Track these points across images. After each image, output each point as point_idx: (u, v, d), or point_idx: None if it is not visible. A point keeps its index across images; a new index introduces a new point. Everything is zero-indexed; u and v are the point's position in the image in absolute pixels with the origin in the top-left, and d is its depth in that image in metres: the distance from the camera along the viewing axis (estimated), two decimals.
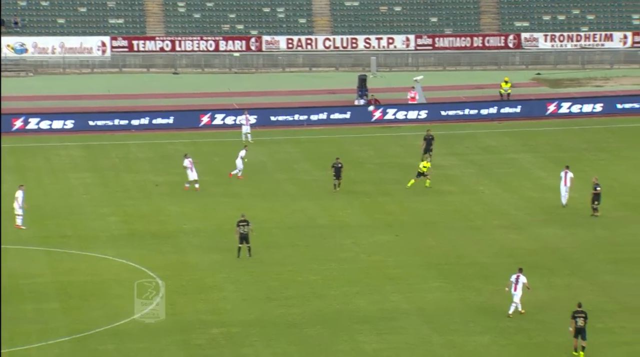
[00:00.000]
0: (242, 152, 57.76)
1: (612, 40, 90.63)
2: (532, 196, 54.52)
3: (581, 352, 35.65)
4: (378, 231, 49.20)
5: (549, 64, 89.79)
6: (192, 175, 54.99)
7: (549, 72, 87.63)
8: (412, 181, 55.70)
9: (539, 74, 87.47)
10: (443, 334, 37.82)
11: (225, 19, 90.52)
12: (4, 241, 45.82)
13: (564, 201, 51.87)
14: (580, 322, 35.57)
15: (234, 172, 57.35)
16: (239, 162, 57.35)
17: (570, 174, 52.17)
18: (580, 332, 35.59)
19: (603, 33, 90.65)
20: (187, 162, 55.18)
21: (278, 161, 60.79)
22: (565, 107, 73.80)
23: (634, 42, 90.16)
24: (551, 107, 73.89)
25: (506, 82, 77.69)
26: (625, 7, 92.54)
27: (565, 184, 51.86)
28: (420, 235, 48.79)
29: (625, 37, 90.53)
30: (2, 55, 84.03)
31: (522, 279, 39.15)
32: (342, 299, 41.23)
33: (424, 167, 56.00)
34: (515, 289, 39.05)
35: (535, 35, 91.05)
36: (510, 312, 39.05)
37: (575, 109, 73.72)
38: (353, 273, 43.93)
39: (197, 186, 54.93)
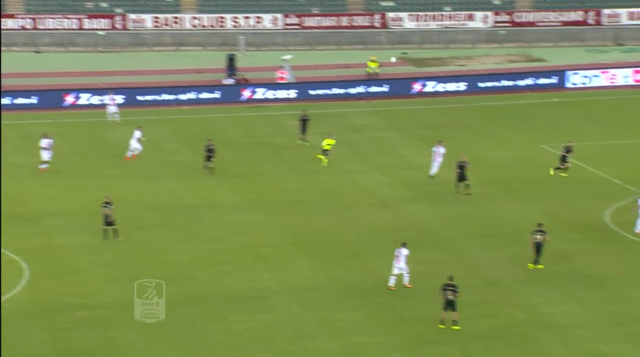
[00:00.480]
0: (137, 133, 56.89)
1: (474, 20, 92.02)
2: (399, 174, 55.02)
3: (454, 326, 36.05)
4: (248, 211, 49.02)
5: (414, 43, 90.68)
6: (46, 155, 53.87)
7: (414, 52, 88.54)
8: (323, 158, 55.45)
9: (404, 53, 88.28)
10: (312, 312, 37.94)
11: None
12: None
13: (433, 171, 52.53)
14: (450, 295, 36.01)
15: (129, 153, 56.38)
16: (133, 143, 56.55)
17: (442, 149, 52.87)
18: (450, 304, 36.01)
19: (465, 13, 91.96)
20: (45, 143, 54.01)
21: (146, 142, 59.89)
22: (430, 86, 74.70)
23: (494, 22, 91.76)
24: (417, 86, 74.70)
25: (373, 61, 78.21)
26: None
27: (436, 159, 52.59)
28: (290, 214, 48.78)
29: (486, 17, 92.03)
30: None
31: (405, 252, 39.75)
32: (212, 279, 40.99)
33: (328, 144, 55.86)
34: (398, 262, 39.63)
35: (401, 15, 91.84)
36: (391, 284, 39.60)
37: (440, 87, 74.68)
38: (223, 253, 43.70)
39: (44, 166, 53.85)
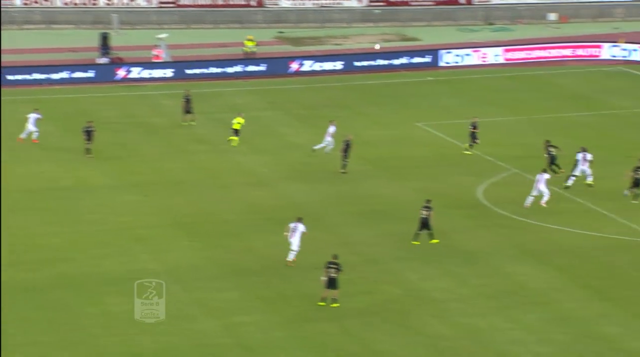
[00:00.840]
0: (33, 115, 55.57)
1: (349, 0, 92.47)
2: (278, 153, 55.07)
3: (333, 304, 36.31)
4: (126, 192, 48.49)
5: (290, 22, 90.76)
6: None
7: (290, 31, 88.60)
8: (234, 138, 54.96)
9: (281, 32, 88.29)
10: (192, 292, 37.80)
11: None
12: None
13: (316, 146, 52.76)
14: (333, 273, 36.25)
15: (24, 136, 55.14)
16: (30, 126, 55.39)
17: (332, 129, 52.99)
18: (332, 282, 36.28)
19: None
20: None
21: (17, 122, 58.66)
22: (307, 65, 74.89)
23: (369, 1, 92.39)
24: (294, 65, 74.82)
25: (250, 40, 78.03)
26: None
27: (326, 138, 52.75)
28: (169, 195, 48.44)
29: None
30: None
31: (301, 227, 39.93)
32: (89, 261, 40.45)
33: (238, 123, 55.43)
34: (292, 237, 39.85)
35: None
36: (290, 258, 39.77)
37: (317, 67, 74.94)
38: (101, 235, 43.16)
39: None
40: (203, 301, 37.12)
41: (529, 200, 45.87)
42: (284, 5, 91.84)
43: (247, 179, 50.93)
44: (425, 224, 42.22)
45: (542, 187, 45.73)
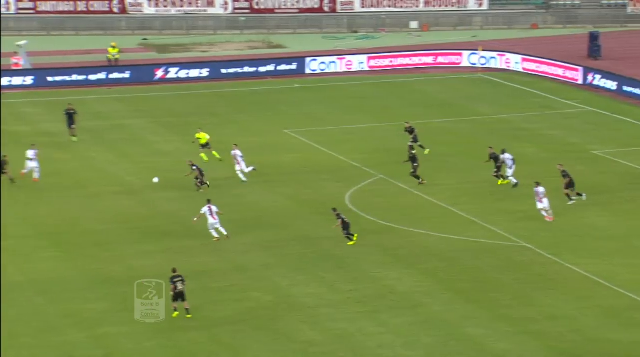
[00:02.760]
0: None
1: (214, 6, 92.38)
2: (145, 161, 54.59)
3: (188, 315, 36.04)
4: None
5: (155, 29, 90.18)
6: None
7: (155, 38, 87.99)
8: (216, 153, 53.03)
9: (145, 39, 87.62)
10: (58, 304, 37.23)
11: None
12: None
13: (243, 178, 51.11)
14: (180, 285, 36.08)
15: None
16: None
17: (238, 152, 51.09)
18: (180, 295, 36.12)
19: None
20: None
21: None
22: (173, 73, 74.49)
23: (234, 9, 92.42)
24: (159, 73, 74.32)
25: (113, 47, 77.23)
26: None
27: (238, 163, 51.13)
28: (31, 204, 47.57)
29: (227, 3, 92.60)
30: None
31: (214, 208, 42.48)
32: None
33: (204, 138, 53.36)
34: (214, 218, 42.74)
35: (140, 0, 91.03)
36: (216, 236, 42.61)
37: (183, 74, 74.61)
38: None
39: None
40: (71, 312, 36.59)
41: (544, 213, 45.20)
42: (147, 12, 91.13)
43: (113, 187, 50.34)
44: (346, 226, 42.78)
45: (545, 201, 45.04)
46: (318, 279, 39.78)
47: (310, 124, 62.23)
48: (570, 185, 46.91)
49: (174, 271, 36.55)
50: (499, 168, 50.40)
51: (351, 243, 42.85)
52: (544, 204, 45.13)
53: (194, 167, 49.50)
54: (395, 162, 53.56)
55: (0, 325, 34.69)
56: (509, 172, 50.06)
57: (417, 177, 50.15)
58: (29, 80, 71.60)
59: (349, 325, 35.91)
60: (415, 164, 50.14)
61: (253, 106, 67.32)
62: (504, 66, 77.01)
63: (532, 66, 75.88)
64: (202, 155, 53.42)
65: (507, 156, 50.28)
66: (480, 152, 53.82)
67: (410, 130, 55.48)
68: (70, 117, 58.03)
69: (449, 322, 36.13)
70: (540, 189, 45.29)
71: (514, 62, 76.81)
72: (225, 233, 43.38)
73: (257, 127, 61.93)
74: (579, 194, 46.86)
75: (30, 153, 51.18)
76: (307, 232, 44.25)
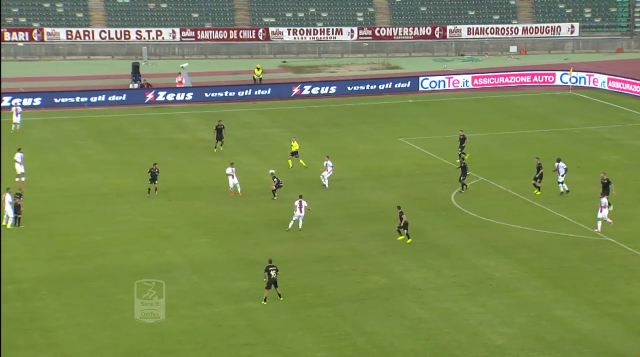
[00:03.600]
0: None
1: (342, 34, 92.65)
2: (283, 165, 55.03)
3: (280, 298, 35.30)
4: (153, 197, 48.42)
5: (292, 53, 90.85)
6: (20, 168, 49.79)
7: (292, 60, 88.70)
8: (302, 161, 52.60)
9: (284, 61, 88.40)
10: (210, 282, 37.78)
11: (9, 12, 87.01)
12: None
13: (325, 183, 50.10)
14: (273, 273, 35.35)
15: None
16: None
17: (329, 162, 50.29)
18: (273, 282, 35.31)
19: (335, 28, 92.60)
20: (18, 156, 50.10)
21: (62, 138, 58.70)
22: (306, 90, 74.89)
23: (359, 36, 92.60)
24: (295, 90, 74.84)
25: (258, 68, 78.09)
26: (351, 6, 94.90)
27: (326, 170, 50.25)
28: (189, 199, 48.43)
29: (352, 31, 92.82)
30: None
31: (304, 203, 42.32)
32: (122, 255, 40.45)
33: (295, 146, 53.27)
34: (301, 211, 42.40)
35: (281, 29, 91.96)
36: (290, 226, 42.55)
37: (315, 91, 74.95)
38: (131, 233, 43.15)
39: (22, 179, 49.69)
40: (220, 289, 37.16)
41: (599, 223, 42.92)
42: (286, 39, 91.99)
43: (256, 186, 50.78)
44: (405, 225, 42.01)
45: (605, 211, 42.74)
46: (426, 266, 39.55)
47: (421, 134, 61.89)
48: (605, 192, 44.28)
49: (270, 261, 35.75)
50: (539, 177, 48.08)
51: (400, 238, 41.76)
52: (602, 214, 42.45)
53: (275, 179, 48.16)
54: (495, 167, 52.90)
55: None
56: (560, 179, 48.12)
57: (464, 185, 48.62)
58: (189, 96, 72.92)
59: (452, 305, 35.61)
60: (467, 173, 48.57)
61: (373, 118, 67.25)
62: (591, 85, 75.27)
63: (616, 85, 73.97)
64: (290, 161, 52.91)
65: (561, 165, 48.27)
66: (569, 158, 52.78)
67: (462, 139, 54.30)
68: (220, 131, 57.51)
69: (539, 305, 35.52)
70: (603, 200, 42.89)
71: (601, 81, 75.00)
72: (300, 227, 42.43)
73: (376, 136, 61.84)
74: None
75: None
76: (417, 226, 44.01)
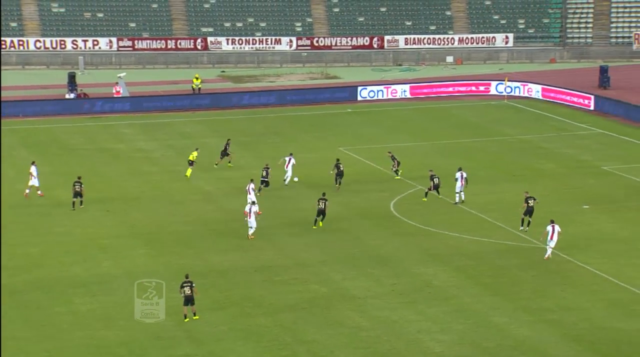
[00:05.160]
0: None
1: (281, 44, 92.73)
2: (221, 174, 54.82)
3: (195, 317, 34.61)
4: (90, 207, 47.88)
5: (231, 63, 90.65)
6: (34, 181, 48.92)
7: (231, 70, 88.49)
8: (189, 169, 53.37)
9: (223, 71, 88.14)
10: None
11: None
12: None
13: (286, 181, 51.54)
14: (187, 290, 34.49)
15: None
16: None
17: (292, 160, 51.75)
18: (188, 299, 34.56)
19: (273, 37, 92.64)
20: (33, 170, 49.01)
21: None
22: (246, 99, 74.77)
23: (298, 46, 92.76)
24: (235, 99, 74.64)
25: (197, 78, 77.75)
26: (289, 17, 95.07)
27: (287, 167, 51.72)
28: (127, 210, 47.96)
29: (291, 41, 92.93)
30: None
31: (255, 208, 42.88)
32: (59, 267, 39.88)
33: (193, 156, 53.95)
34: (249, 217, 42.56)
35: (219, 39, 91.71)
36: (250, 233, 42.86)
37: (254, 100, 74.85)
38: (69, 245, 42.58)
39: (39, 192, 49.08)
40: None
41: (549, 251, 41.24)
42: (225, 48, 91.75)
43: (195, 196, 50.60)
44: (322, 212, 44.03)
45: (555, 238, 40.96)
46: (366, 274, 39.66)
47: (360, 143, 62.15)
48: (528, 212, 43.78)
49: (187, 276, 35.12)
50: (435, 187, 48.68)
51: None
52: (553, 242, 40.85)
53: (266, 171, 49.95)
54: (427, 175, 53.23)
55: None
56: (458, 189, 48.12)
57: (427, 193, 49.00)
58: (127, 105, 72.29)
59: (392, 313, 35.74)
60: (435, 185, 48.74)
61: (312, 127, 67.36)
62: (526, 94, 76.36)
63: (550, 94, 75.14)
64: (189, 170, 52.93)
65: (461, 174, 48.02)
66: (505, 167, 53.35)
67: (393, 158, 54.17)
68: (225, 147, 56.46)
69: (477, 312, 35.83)
70: (551, 228, 40.97)
71: (535, 91, 76.12)
72: (250, 233, 42.92)
73: (315, 145, 61.94)
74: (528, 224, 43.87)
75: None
76: (357, 234, 44.16)
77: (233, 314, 35.50)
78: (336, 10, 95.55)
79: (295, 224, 45.65)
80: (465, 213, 47.59)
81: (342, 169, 51.21)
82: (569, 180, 52.83)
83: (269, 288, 37.76)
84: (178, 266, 40.44)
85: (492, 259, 41.40)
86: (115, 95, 73.86)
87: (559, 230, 40.81)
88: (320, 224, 44.68)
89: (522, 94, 76.51)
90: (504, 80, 77.29)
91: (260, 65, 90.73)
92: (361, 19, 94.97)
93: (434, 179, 48.55)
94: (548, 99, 74.88)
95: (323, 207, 44.71)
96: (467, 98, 77.00)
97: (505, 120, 69.53)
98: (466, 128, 67.16)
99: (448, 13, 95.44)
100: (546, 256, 40.81)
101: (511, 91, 76.84)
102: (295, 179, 52.02)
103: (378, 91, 77.49)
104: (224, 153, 56.63)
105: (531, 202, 43.92)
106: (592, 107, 71.43)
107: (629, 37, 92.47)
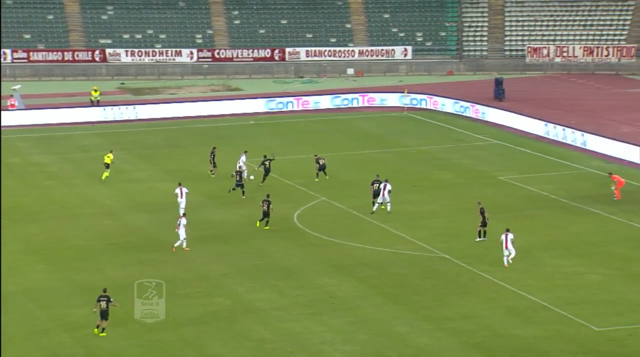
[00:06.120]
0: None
1: (181, 56, 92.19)
2: (121, 187, 54.12)
3: (102, 333, 34.13)
4: None
5: (130, 75, 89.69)
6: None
7: (131, 82, 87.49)
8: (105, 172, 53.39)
9: (122, 83, 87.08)
10: (46, 309, 36.62)
11: None
12: None
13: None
14: (103, 305, 33.98)
15: None
16: None
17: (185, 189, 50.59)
18: (103, 314, 34.13)
19: (174, 49, 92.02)
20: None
21: None
22: (146, 111, 73.98)
23: (199, 58, 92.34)
24: (134, 111, 73.77)
25: (95, 90, 76.63)
26: (190, 28, 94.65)
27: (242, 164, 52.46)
28: (24, 224, 46.85)
29: (192, 53, 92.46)
30: None
31: (183, 221, 42.58)
32: None
33: (108, 158, 53.84)
34: (179, 229, 42.44)
35: (118, 50, 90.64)
36: (177, 245, 42.46)
37: (155, 112, 74.13)
38: None
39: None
40: (57, 316, 35.99)
41: (505, 260, 41.64)
42: (124, 60, 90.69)
43: (94, 209, 49.80)
44: (266, 214, 45.08)
45: (510, 246, 41.55)
46: (270, 286, 39.59)
47: (262, 155, 62.09)
48: (483, 224, 44.59)
49: (104, 290, 34.55)
50: (321, 168, 52.69)
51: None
52: (508, 250, 41.37)
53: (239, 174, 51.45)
54: (336, 187, 53.60)
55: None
56: (380, 199, 48.53)
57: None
58: (22, 119, 70.70)
59: (296, 325, 35.75)
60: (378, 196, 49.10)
61: (214, 140, 66.95)
62: (425, 106, 77.55)
63: (448, 106, 76.46)
64: (105, 173, 53.44)
65: (385, 186, 48.57)
66: (405, 178, 53.95)
67: (317, 161, 55.35)
68: (213, 156, 56.71)
69: (380, 322, 36.12)
70: (504, 236, 41.54)
71: (433, 102, 77.37)
72: (180, 244, 43.02)
73: (218, 157, 61.45)
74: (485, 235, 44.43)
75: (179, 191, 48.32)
76: (260, 246, 44.08)
77: (134, 330, 34.98)
78: (237, 22, 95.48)
79: (197, 237, 45.27)
80: (368, 224, 47.99)
81: (322, 163, 54.30)
82: (467, 190, 53.74)
83: (171, 302, 37.32)
84: (77, 281, 39.68)
85: (394, 268, 41.81)
86: (10, 108, 72.18)
87: (512, 237, 41.51)
88: (266, 227, 45.65)
89: (421, 106, 77.66)
90: (403, 92, 78.32)
91: (160, 77, 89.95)
92: (262, 31, 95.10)
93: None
94: (446, 111, 76.16)
95: (266, 208, 45.56)
96: (367, 110, 77.74)
97: (405, 131, 70.42)
98: (367, 139, 67.76)
99: (348, 26, 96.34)
100: (505, 264, 41.50)
101: (410, 103, 77.92)
102: (252, 178, 53.30)
103: (279, 103, 77.61)
104: (213, 162, 56.41)
105: (486, 214, 44.40)
106: (488, 119, 72.94)
107: (523, 50, 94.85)
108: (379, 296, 38.68)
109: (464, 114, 74.61)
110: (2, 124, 69.03)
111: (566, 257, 42.40)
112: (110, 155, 54.62)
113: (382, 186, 48.97)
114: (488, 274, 40.70)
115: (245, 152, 55.13)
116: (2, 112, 70.46)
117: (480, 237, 44.78)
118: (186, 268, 41.37)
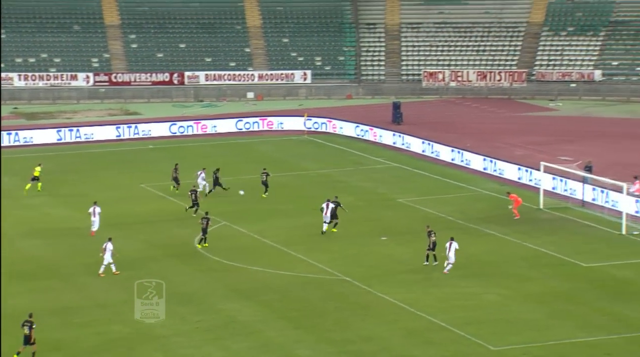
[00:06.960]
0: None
1: (77, 80, 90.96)
2: (14, 213, 52.80)
3: None
4: None
5: (24, 99, 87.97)
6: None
7: (24, 107, 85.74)
8: (39, 184, 52.43)
9: (15, 108, 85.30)
10: None
11: None
12: None
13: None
14: (26, 330, 33.37)
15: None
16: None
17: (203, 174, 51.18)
18: (27, 340, 33.30)
19: (69, 73, 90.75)
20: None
21: None
22: (41, 136, 72.54)
23: (95, 82, 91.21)
24: (30, 137, 72.31)
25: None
26: (85, 52, 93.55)
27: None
28: None
29: (88, 77, 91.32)
30: None
31: (109, 245, 42.13)
32: None
33: (37, 171, 53.17)
34: (104, 253, 41.90)
35: (10, 74, 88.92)
36: (101, 271, 42.03)
37: (49, 138, 72.79)
38: None
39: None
40: None
41: (446, 269, 42.96)
42: (17, 85, 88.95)
43: None
44: (204, 231, 46.25)
45: (452, 254, 42.65)
46: (171, 312, 39.04)
47: (162, 179, 61.51)
48: (432, 247, 44.40)
49: (30, 315, 33.92)
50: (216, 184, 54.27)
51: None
52: (450, 260, 42.85)
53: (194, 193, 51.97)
54: (235, 210, 53.39)
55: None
56: (327, 218, 49.07)
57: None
58: None
59: (196, 351, 35.36)
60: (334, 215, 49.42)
61: (113, 164, 66.11)
62: (325, 130, 78.09)
63: (348, 130, 77.14)
64: (28, 185, 53.29)
65: (327, 204, 49.55)
66: (305, 201, 54.08)
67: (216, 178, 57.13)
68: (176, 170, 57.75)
69: (282, 346, 36.01)
70: (449, 244, 42.83)
71: (333, 126, 77.99)
72: (105, 270, 42.57)
73: (116, 183, 60.80)
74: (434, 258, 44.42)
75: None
76: (160, 271, 43.52)
77: None
78: (134, 46, 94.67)
79: (95, 264, 44.44)
80: (269, 247, 47.93)
81: (265, 179, 56.38)
82: (367, 212, 54.21)
83: (67, 331, 36.51)
84: None
85: (296, 292, 41.80)
86: None
87: (457, 247, 42.88)
88: (206, 245, 46.37)
89: (321, 129, 78.16)
90: (303, 116, 78.73)
91: (55, 101, 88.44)
92: (160, 54, 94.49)
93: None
94: (346, 134, 76.82)
95: (205, 226, 46.07)
96: (268, 133, 77.85)
97: (305, 154, 70.73)
98: (267, 163, 67.69)
99: (247, 50, 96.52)
100: (444, 270, 42.91)
101: (310, 127, 78.36)
102: (241, 193, 54.91)
103: (179, 127, 77.14)
104: (176, 179, 57.01)
105: (433, 237, 44.31)
106: (387, 142, 73.83)
107: (419, 74, 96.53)
108: (280, 319, 38.59)
109: (363, 138, 75.38)
110: None
111: (463, 278, 43.05)
112: (38, 168, 54.11)
113: (324, 205, 49.05)
114: (388, 296, 41.04)
115: (204, 169, 55.07)
116: None
117: (427, 261, 44.34)
118: (84, 295, 40.55)
